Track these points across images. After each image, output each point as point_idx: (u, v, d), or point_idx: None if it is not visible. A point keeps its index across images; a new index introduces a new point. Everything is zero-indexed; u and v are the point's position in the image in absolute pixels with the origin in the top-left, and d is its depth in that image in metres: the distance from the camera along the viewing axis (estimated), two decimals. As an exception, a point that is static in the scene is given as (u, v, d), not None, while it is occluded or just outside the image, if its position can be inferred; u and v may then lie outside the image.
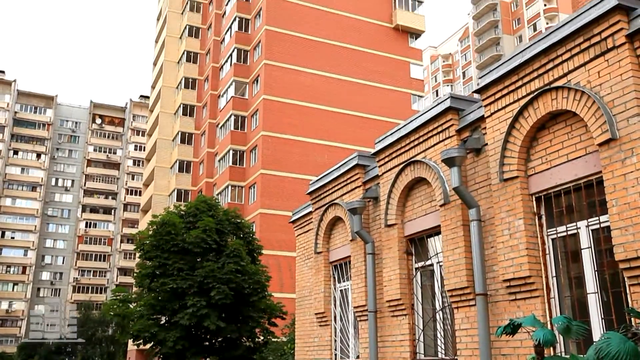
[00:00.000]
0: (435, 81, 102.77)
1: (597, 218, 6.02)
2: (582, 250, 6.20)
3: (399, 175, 9.19)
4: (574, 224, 6.30)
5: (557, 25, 6.37)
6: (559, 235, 6.50)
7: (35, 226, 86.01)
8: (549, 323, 6.13)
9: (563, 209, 6.44)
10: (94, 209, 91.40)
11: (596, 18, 5.74)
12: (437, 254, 8.72)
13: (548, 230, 6.61)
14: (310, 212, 12.94)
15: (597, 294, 6.00)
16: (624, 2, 5.55)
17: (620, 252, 5.39)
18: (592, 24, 5.83)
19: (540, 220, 6.66)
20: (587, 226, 6.16)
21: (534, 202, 6.71)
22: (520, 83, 6.82)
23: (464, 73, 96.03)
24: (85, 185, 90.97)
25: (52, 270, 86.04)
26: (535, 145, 6.72)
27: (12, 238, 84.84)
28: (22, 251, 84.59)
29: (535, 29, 79.34)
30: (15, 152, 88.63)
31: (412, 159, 8.88)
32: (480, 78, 7.54)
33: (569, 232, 6.37)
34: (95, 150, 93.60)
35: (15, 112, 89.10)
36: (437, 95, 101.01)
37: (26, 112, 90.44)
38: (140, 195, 77.06)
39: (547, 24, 77.54)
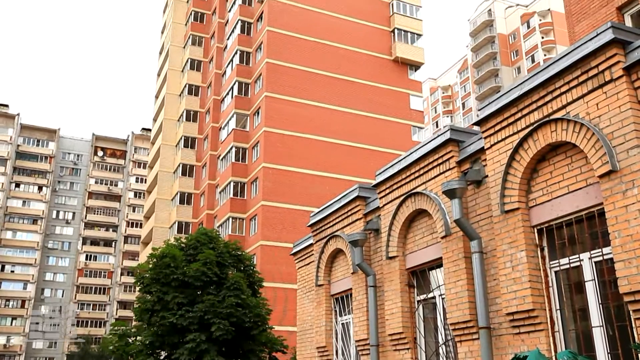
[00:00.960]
0: (435, 112, 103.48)
1: (599, 250, 5.97)
2: (586, 283, 6.13)
3: (400, 207, 9.16)
4: (577, 256, 6.25)
5: (555, 58, 6.43)
6: (561, 267, 6.44)
7: (35, 259, 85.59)
8: (554, 357, 6.03)
9: (565, 241, 6.40)
10: (94, 242, 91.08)
11: (593, 51, 5.80)
12: (439, 286, 8.63)
13: (551, 263, 6.55)
14: (312, 245, 12.87)
15: (602, 327, 5.91)
16: (619, 36, 5.61)
17: (624, 285, 5.33)
18: (589, 57, 5.88)
19: (543, 253, 6.61)
20: (590, 258, 6.10)
21: (536, 234, 6.67)
22: (519, 115, 6.85)
23: (463, 104, 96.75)
24: (86, 217, 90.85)
25: (51, 304, 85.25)
26: (535, 176, 6.72)
27: (12, 271, 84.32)
28: (22, 284, 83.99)
29: (533, 61, 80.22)
30: (17, 185, 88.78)
31: (413, 191, 8.87)
32: (479, 110, 7.59)
33: (572, 264, 6.31)
34: (96, 182, 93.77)
35: (18, 145, 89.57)
36: (437, 126, 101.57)
37: (29, 145, 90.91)
38: (140, 227, 76.85)
39: (545, 55, 78.43)
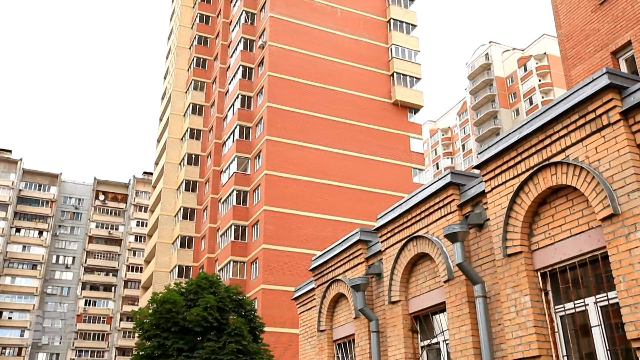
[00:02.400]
0: (436, 154, 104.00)
1: (605, 294, 5.91)
2: (592, 328, 6.04)
3: (402, 251, 9.12)
4: (582, 300, 6.18)
5: (553, 103, 6.51)
6: (567, 312, 6.36)
7: (34, 305, 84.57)
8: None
9: (570, 285, 6.34)
10: (94, 287, 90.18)
11: (590, 96, 5.88)
12: (443, 331, 8.50)
13: (556, 307, 6.47)
14: (313, 289, 12.75)
15: (610, 374, 5.80)
16: (615, 81, 5.70)
17: (631, 331, 5.25)
18: (586, 102, 5.96)
19: (547, 297, 6.54)
20: (596, 302, 6.03)
21: (540, 278, 6.61)
22: (519, 159, 6.90)
23: (463, 146, 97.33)
24: (86, 262, 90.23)
25: (48, 352, 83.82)
26: (537, 220, 6.71)
27: (10, 318, 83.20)
28: (19, 331, 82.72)
29: (531, 103, 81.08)
30: (18, 230, 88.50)
31: (415, 235, 8.84)
32: (479, 154, 7.64)
33: (577, 309, 6.23)
34: (97, 226, 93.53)
35: (20, 190, 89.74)
36: (437, 167, 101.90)
37: (30, 190, 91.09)
38: (141, 271, 76.21)
39: (543, 97, 79.31)
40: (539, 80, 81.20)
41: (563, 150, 6.29)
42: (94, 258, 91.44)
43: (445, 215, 8.29)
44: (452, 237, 7.51)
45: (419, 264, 9.02)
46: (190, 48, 62.19)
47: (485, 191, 7.46)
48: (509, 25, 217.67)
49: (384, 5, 52.27)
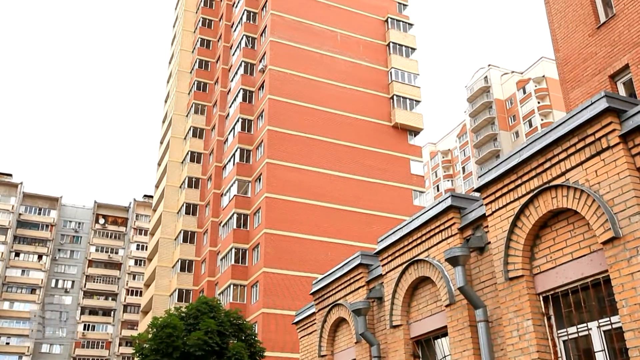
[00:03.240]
0: (436, 176, 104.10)
1: (608, 318, 5.86)
2: (596, 353, 5.98)
3: (403, 275, 9.07)
4: (585, 324, 6.13)
5: (552, 126, 6.54)
6: (570, 336, 6.30)
7: (32, 330, 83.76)
8: None
9: (572, 309, 6.29)
10: (93, 311, 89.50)
11: (589, 119, 5.90)
12: (445, 356, 8.42)
13: (558, 332, 6.41)
14: (314, 313, 12.65)
15: (615, 400, 5.72)
16: (613, 105, 5.73)
17: (636, 356, 5.19)
18: (585, 125, 5.98)
19: (550, 321, 6.49)
20: (599, 327, 5.98)
21: (542, 302, 6.57)
22: (519, 182, 6.90)
23: (463, 168, 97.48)
24: (85, 286, 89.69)
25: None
26: (538, 243, 6.69)
27: (7, 344, 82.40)
28: (17, 357, 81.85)
29: (530, 125, 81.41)
30: (17, 254, 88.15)
31: (416, 258, 8.80)
32: (479, 177, 7.64)
33: (581, 334, 6.18)
34: (97, 250, 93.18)
35: (20, 214, 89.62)
36: (438, 190, 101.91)
37: (30, 214, 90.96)
38: (140, 295, 75.68)
39: (542, 120, 79.65)
40: (538, 103, 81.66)
41: (563, 174, 6.30)
42: (94, 282, 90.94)
43: (446, 239, 8.27)
44: (453, 261, 7.48)
45: (420, 288, 8.96)
46: (191, 72, 62.68)
47: (486, 214, 7.46)
48: (508, 48, 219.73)
49: (383, 29, 52.80)
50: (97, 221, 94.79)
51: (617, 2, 12.33)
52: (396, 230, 9.50)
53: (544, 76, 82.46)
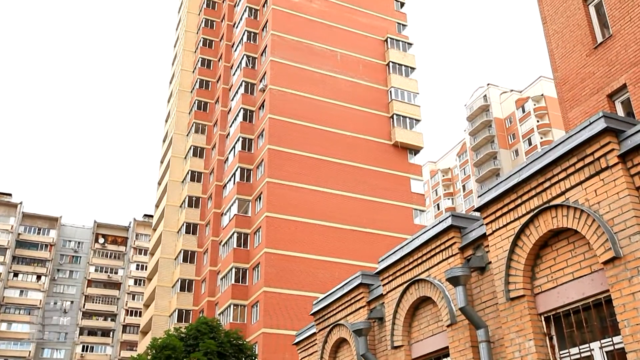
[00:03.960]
0: (436, 195, 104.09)
1: (610, 339, 5.83)
2: (599, 374, 5.94)
3: (404, 295, 9.04)
4: (587, 345, 6.09)
5: (551, 146, 6.57)
6: (572, 357, 6.26)
7: (30, 352, 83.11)
8: None
9: (574, 329, 6.26)
10: (91, 332, 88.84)
11: (587, 139, 5.94)
12: (447, 378, 8.35)
13: (561, 352, 6.38)
14: (315, 334, 12.57)
15: (619, 422, 5.66)
16: (611, 125, 5.77)
17: (638, 377, 5.16)
18: (584, 145, 6.02)
19: (552, 342, 6.45)
20: (601, 347, 5.94)
21: (544, 322, 6.54)
22: (519, 201, 6.91)
23: (464, 186, 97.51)
24: (84, 306, 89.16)
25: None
26: (539, 263, 6.68)
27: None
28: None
29: (530, 144, 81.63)
30: (16, 275, 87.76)
31: (416, 278, 8.78)
32: (479, 197, 7.66)
33: (583, 354, 6.14)
34: (96, 270, 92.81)
35: (19, 234, 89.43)
36: (438, 208, 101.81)
37: (29, 234, 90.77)
38: (140, 316, 75.21)
39: (542, 138, 79.90)
40: (537, 121, 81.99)
41: (563, 193, 6.32)
42: (93, 302, 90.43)
43: (446, 259, 8.26)
44: (454, 281, 7.47)
45: (421, 308, 8.93)
46: (191, 91, 63.03)
47: (487, 234, 7.46)
48: (506, 67, 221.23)
49: (382, 49, 53.22)
50: (96, 241, 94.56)
51: (614, 23, 12.46)
52: (397, 250, 9.49)
53: (542, 95, 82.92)
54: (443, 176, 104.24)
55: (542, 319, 6.55)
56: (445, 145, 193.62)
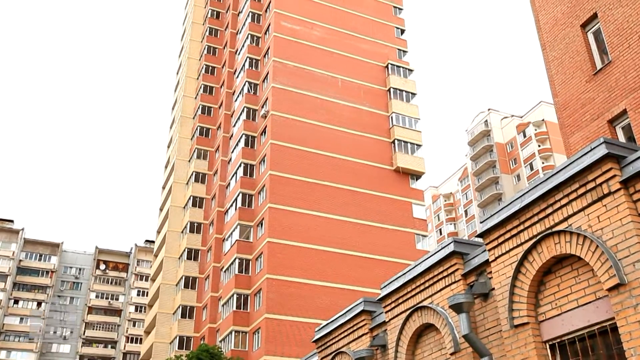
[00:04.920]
0: (439, 220, 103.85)
1: (617, 368, 5.74)
2: (606, 403, 5.84)
3: (407, 322, 8.94)
4: (593, 374, 6.00)
5: (553, 172, 6.56)
6: (578, 386, 6.16)
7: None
8: None
9: (579, 358, 6.17)
10: (92, 359, 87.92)
11: (589, 165, 5.93)
12: (451, 407, 8.20)
13: (566, 381, 6.28)
14: (317, 362, 12.41)
15: None
16: (613, 151, 5.77)
17: (645, 406, 5.07)
18: (586, 171, 6.01)
19: (557, 370, 6.36)
20: (607, 376, 5.85)
21: (549, 350, 6.45)
22: (522, 227, 6.88)
23: (466, 211, 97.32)
24: (84, 333, 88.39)
25: None
26: (543, 289, 6.62)
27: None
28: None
29: (532, 168, 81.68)
30: (16, 302, 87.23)
31: (419, 305, 8.70)
32: (481, 222, 7.63)
33: (589, 383, 6.04)
34: (97, 296, 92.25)
35: (20, 261, 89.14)
36: (440, 233, 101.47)
37: (30, 260, 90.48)
38: (140, 342, 74.48)
39: (543, 163, 79.97)
40: (539, 146, 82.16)
41: (565, 219, 6.29)
42: (93, 329, 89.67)
43: (449, 285, 8.19)
44: (457, 308, 7.39)
45: (424, 335, 8.82)
46: (194, 117, 63.41)
47: (489, 260, 7.41)
48: (507, 92, 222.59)
49: (383, 75, 53.64)
50: (97, 267, 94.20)
51: (612, 50, 12.57)
52: (399, 277, 9.42)
53: (543, 120, 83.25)
54: (445, 201, 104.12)
55: (547, 346, 6.46)
56: (446, 170, 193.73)
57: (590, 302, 6.00)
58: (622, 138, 12.03)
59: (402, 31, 57.23)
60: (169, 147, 70.40)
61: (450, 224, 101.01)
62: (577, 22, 13.69)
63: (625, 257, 5.51)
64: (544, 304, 6.57)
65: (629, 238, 5.51)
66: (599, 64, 13.08)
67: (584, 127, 12.62)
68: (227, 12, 65.18)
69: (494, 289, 7.37)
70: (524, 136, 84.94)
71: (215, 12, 66.10)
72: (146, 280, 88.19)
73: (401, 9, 58.79)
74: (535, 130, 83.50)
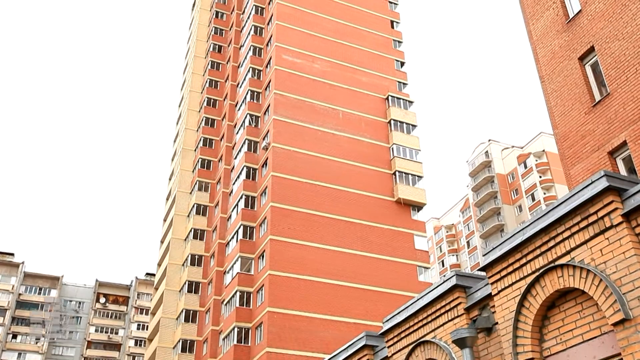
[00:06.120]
0: (441, 251, 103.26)
1: (625, 405, 5.61)
2: None
3: (410, 357, 8.80)
4: (601, 411, 5.87)
5: (554, 204, 6.54)
6: None
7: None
8: None
9: (586, 394, 6.04)
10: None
11: (590, 198, 5.91)
12: None
13: (573, 419, 6.14)
14: (318, 398, 12.20)
15: None
16: (614, 184, 5.75)
17: None
18: (587, 204, 5.98)
19: (564, 407, 6.22)
20: (616, 414, 5.72)
21: (555, 387, 6.33)
22: (524, 260, 6.82)
23: (468, 242, 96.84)
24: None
25: None
26: (547, 324, 6.53)
27: None
28: None
29: (533, 199, 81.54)
30: (14, 337, 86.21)
31: (422, 339, 8.57)
32: (484, 255, 7.57)
33: (597, 421, 5.90)
34: (96, 330, 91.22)
35: (20, 294, 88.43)
36: (443, 265, 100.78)
37: (30, 294, 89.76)
38: (140, 378, 73.26)
39: (545, 193, 79.87)
40: (540, 177, 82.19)
41: (568, 252, 6.24)
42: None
43: (452, 319, 8.08)
44: (460, 343, 7.29)
45: (427, 371, 8.67)
46: (195, 150, 63.67)
47: (492, 294, 7.33)
48: (507, 123, 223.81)
49: (384, 107, 54.01)
50: (97, 300, 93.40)
51: (611, 82, 12.66)
52: (401, 311, 9.31)
53: (544, 150, 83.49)
54: (447, 232, 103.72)
55: (553, 383, 6.34)
56: (448, 201, 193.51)
57: (595, 337, 5.91)
58: (622, 169, 12.03)
59: (402, 64, 57.85)
60: (170, 179, 70.53)
61: (453, 255, 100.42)
62: (574, 55, 13.83)
63: (629, 291, 5.45)
64: (548, 338, 6.47)
65: (633, 272, 5.45)
66: (598, 96, 13.16)
67: (585, 159, 12.63)
68: (229, 45, 66.07)
69: (497, 323, 7.27)
70: (525, 167, 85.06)
71: (217, 46, 67.03)
72: (146, 313, 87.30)
73: (401, 42, 59.58)
74: (536, 160, 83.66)
